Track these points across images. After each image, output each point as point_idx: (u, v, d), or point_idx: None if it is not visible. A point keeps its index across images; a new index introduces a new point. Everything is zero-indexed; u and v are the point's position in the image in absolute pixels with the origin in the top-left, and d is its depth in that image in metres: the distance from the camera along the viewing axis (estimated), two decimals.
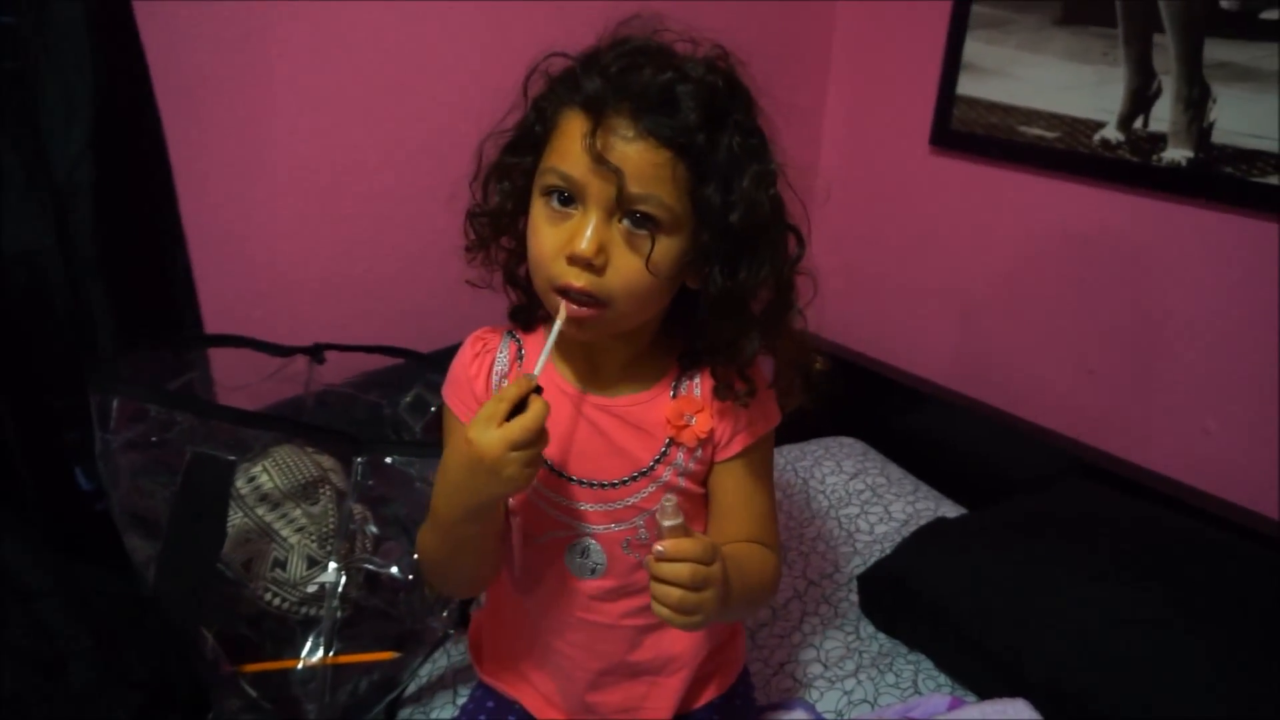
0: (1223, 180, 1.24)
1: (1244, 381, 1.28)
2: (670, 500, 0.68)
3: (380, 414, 1.22)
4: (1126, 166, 1.35)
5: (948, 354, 1.68)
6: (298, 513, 1.09)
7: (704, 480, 0.84)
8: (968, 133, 1.55)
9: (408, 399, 1.20)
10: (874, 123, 1.73)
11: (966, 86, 1.53)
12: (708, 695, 0.93)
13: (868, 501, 1.48)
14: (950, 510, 1.45)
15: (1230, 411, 1.31)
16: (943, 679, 1.13)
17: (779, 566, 0.85)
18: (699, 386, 0.81)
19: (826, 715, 1.08)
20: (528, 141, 0.75)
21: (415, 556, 1.06)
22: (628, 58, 0.70)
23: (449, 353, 1.45)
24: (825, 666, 1.16)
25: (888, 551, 1.32)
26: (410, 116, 1.39)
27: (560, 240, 0.71)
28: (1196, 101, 1.25)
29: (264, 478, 1.10)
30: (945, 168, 1.61)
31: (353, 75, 1.32)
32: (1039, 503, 1.33)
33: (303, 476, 1.11)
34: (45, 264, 1.11)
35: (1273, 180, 1.19)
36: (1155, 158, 1.31)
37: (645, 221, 0.70)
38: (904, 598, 1.20)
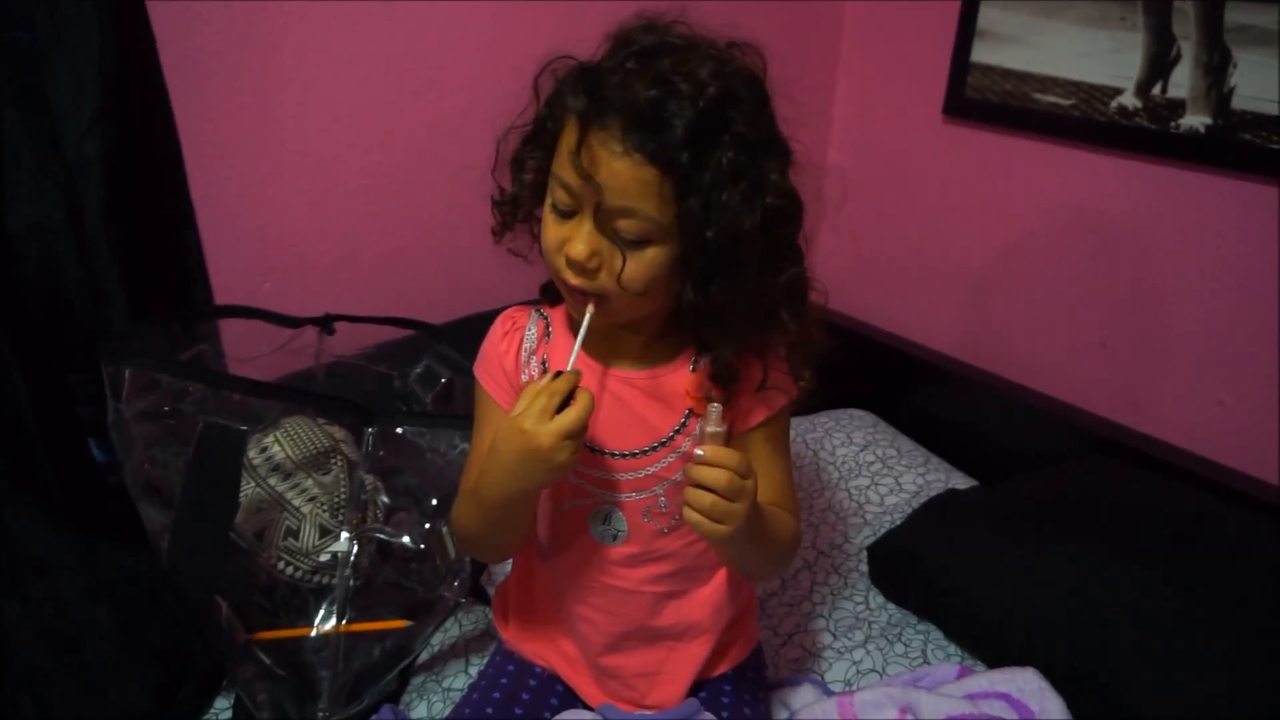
0: (1242, 147, 1.22)
1: (1261, 354, 1.27)
2: (716, 408, 0.74)
3: (390, 385, 1.22)
4: (1144, 134, 1.33)
5: (959, 326, 1.67)
6: (309, 482, 1.10)
7: None
8: (982, 101, 1.53)
9: (418, 370, 1.21)
10: (886, 92, 1.71)
11: (981, 54, 1.51)
12: (722, 667, 0.95)
13: (878, 473, 1.48)
14: (961, 482, 1.45)
15: (1245, 384, 1.29)
16: (952, 649, 1.13)
17: (798, 531, 0.88)
18: None
19: (834, 685, 1.08)
20: (542, 137, 0.78)
21: (427, 526, 1.07)
22: (625, 69, 0.70)
23: (458, 325, 1.48)
24: (834, 636, 1.17)
25: (898, 523, 1.32)
26: (418, 91, 1.38)
27: (561, 238, 0.74)
28: (1217, 67, 1.23)
29: (276, 448, 1.11)
30: (958, 137, 1.59)
31: (360, 50, 1.32)
32: (1051, 478, 1.32)
33: (314, 447, 1.12)
34: (56, 239, 1.12)
35: None
36: (1173, 125, 1.29)
37: (635, 238, 0.72)
38: (914, 570, 1.20)
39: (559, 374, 0.73)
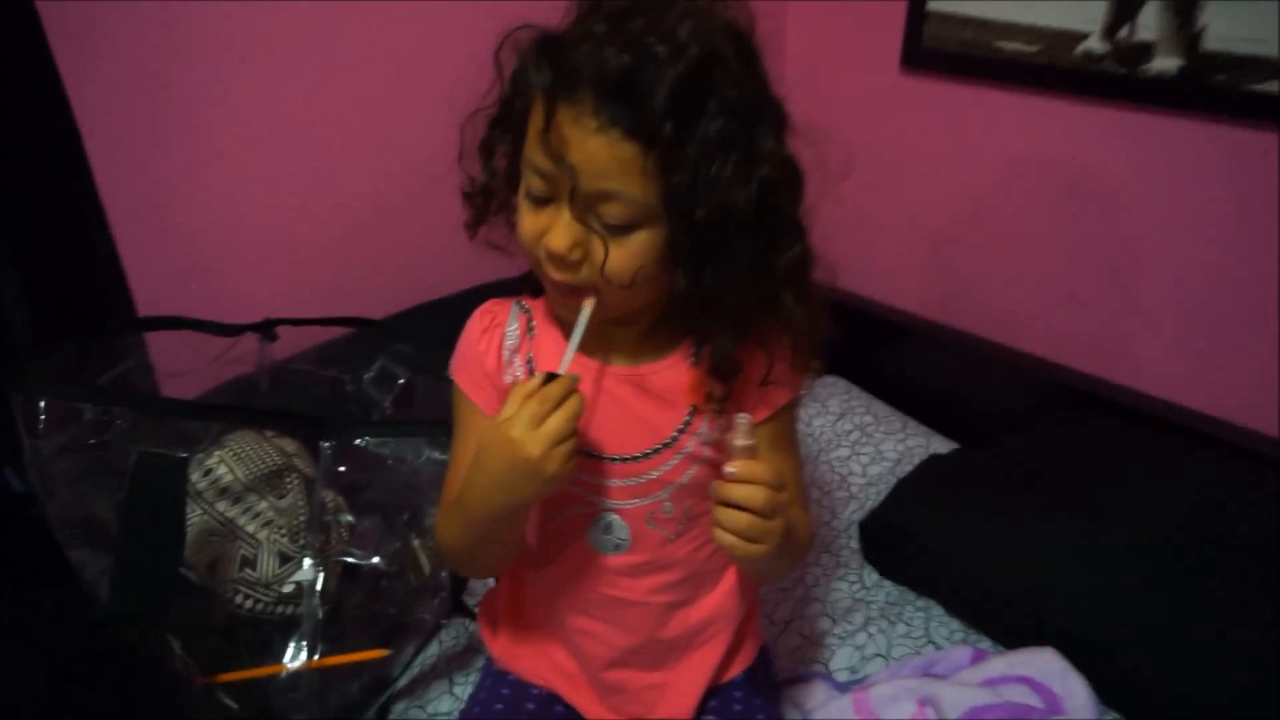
0: (1214, 90, 1.19)
1: (1236, 298, 1.25)
2: (745, 419, 0.67)
3: (343, 390, 1.13)
4: (1111, 80, 1.29)
5: (926, 284, 1.63)
6: (263, 505, 1.00)
7: None
8: (941, 51, 1.47)
9: (372, 372, 1.11)
10: (839, 46, 1.64)
11: (938, 1, 1.45)
12: (732, 671, 0.89)
13: (857, 442, 1.44)
14: (941, 446, 1.42)
15: (1223, 330, 1.28)
16: (956, 625, 1.10)
17: (812, 525, 0.83)
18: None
19: (839, 674, 1.04)
20: (510, 117, 0.69)
21: (398, 544, 0.98)
22: (593, 35, 0.62)
23: (410, 316, 1.37)
24: (833, 621, 1.12)
25: (884, 494, 1.28)
26: (346, 61, 1.26)
27: (539, 228, 0.67)
28: (1185, 7, 1.19)
29: (222, 469, 1.01)
30: (918, 89, 1.53)
31: (277, 19, 1.18)
32: (1036, 437, 1.30)
33: (265, 465, 1.02)
34: None
35: (1270, 88, 1.14)
36: (1141, 69, 1.25)
37: (618, 225, 0.65)
38: (908, 544, 1.16)
39: (550, 376, 0.66)
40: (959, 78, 1.47)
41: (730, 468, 0.65)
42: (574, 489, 0.77)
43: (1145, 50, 1.24)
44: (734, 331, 0.71)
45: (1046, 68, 1.35)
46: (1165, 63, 1.23)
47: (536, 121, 0.64)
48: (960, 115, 1.49)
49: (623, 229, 0.64)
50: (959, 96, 1.48)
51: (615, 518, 0.78)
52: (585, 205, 0.64)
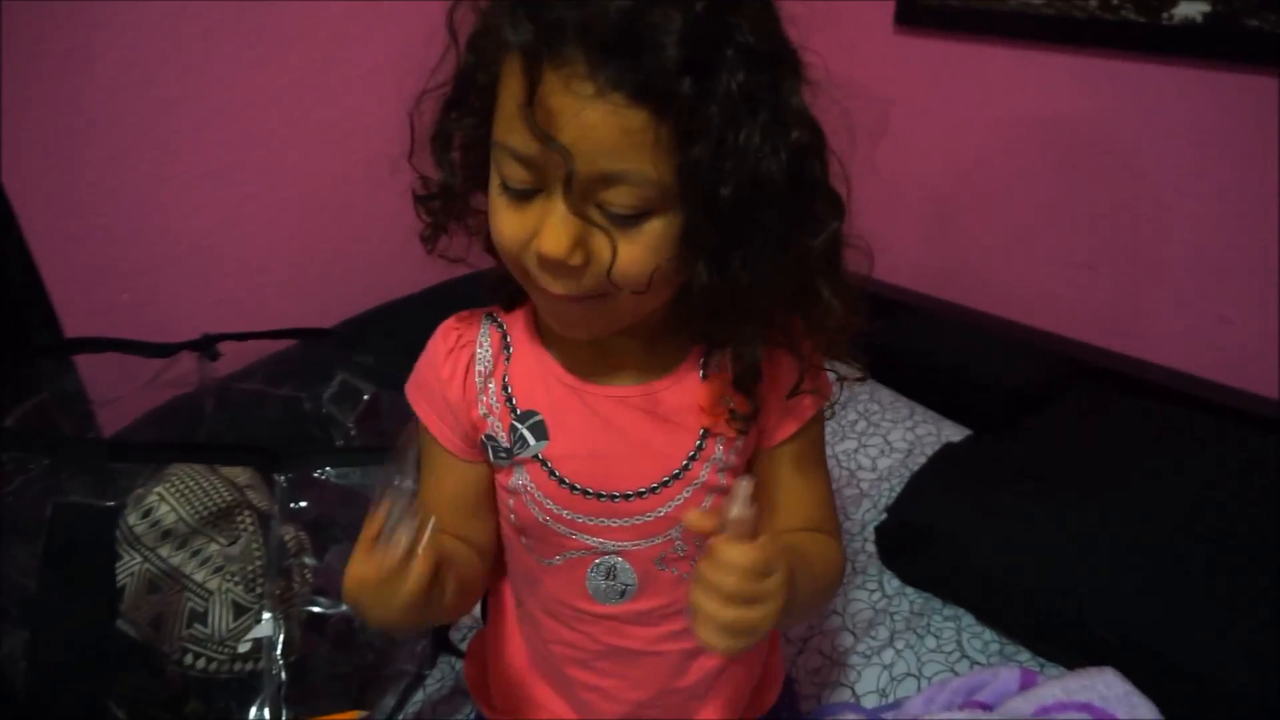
0: (1247, 35, 1.09)
1: (1266, 262, 1.16)
2: (745, 485, 0.51)
3: (300, 409, 1.00)
4: (1131, 29, 1.18)
5: (926, 257, 1.53)
6: (213, 549, 0.88)
7: (745, 471, 0.68)
8: (939, 6, 1.36)
9: (331, 389, 0.99)
10: (826, 4, 1.52)
11: None
12: (756, 710, 0.79)
13: (864, 433, 1.34)
14: (953, 433, 1.32)
15: (1249, 297, 1.19)
16: (989, 635, 1.01)
17: (843, 554, 0.71)
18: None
19: (868, 700, 0.95)
20: (470, 95, 0.56)
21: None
22: None
23: (367, 322, 1.24)
24: (855, 636, 1.03)
25: (897, 489, 1.19)
26: (281, 40, 1.12)
27: (525, 230, 0.54)
28: None
29: (163, 509, 0.89)
30: (914, 48, 1.42)
31: (196, 28, 1.04)
32: (1055, 419, 1.21)
33: (213, 502, 0.90)
34: None
35: None
36: (1165, 15, 1.15)
37: (626, 215, 0.52)
38: (931, 546, 1.06)
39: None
40: (959, 34, 1.36)
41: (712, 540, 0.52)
42: (566, 531, 0.65)
43: None
44: (763, 331, 0.60)
45: (1058, 19, 1.24)
46: (1191, 7, 1.12)
47: (512, 93, 0.51)
48: (962, 75, 1.38)
49: (633, 219, 0.52)
50: (960, 55, 1.38)
51: (619, 561, 0.66)
52: (584, 194, 0.51)
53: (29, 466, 0.75)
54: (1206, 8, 1.11)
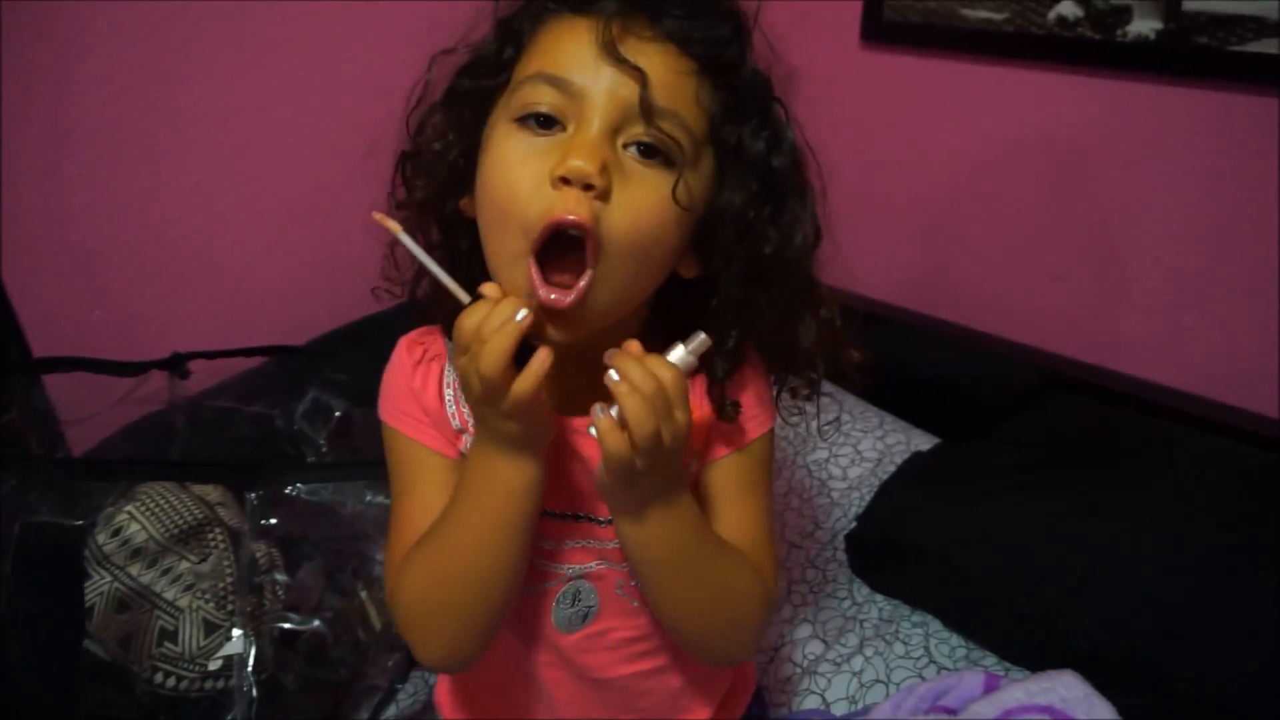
0: (1197, 52, 1.12)
1: (1225, 271, 1.19)
2: (703, 339, 0.55)
3: (272, 427, 1.00)
4: (1087, 45, 1.21)
5: (899, 270, 1.55)
6: (183, 567, 0.88)
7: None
8: (903, 22, 1.39)
9: (304, 405, 0.99)
10: (791, 21, 1.53)
11: None
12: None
13: (834, 442, 1.36)
14: (922, 442, 1.34)
15: (1211, 305, 1.22)
16: (956, 640, 1.02)
17: (763, 590, 0.64)
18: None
19: (838, 706, 0.96)
20: (492, 63, 0.58)
21: (340, 601, 0.87)
22: None
23: (337, 338, 1.24)
24: (826, 644, 1.04)
25: (867, 498, 1.20)
26: (262, 51, 1.12)
27: (544, 165, 0.53)
28: None
29: (133, 527, 0.89)
30: (881, 64, 1.45)
31: (178, 7, 1.05)
32: (1026, 427, 1.23)
33: (183, 520, 0.90)
34: None
35: (1254, 48, 1.07)
36: (1120, 33, 1.18)
37: (656, 151, 0.54)
38: (900, 553, 1.08)
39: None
40: (924, 50, 1.39)
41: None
42: (543, 563, 0.66)
43: (1123, 13, 1.17)
44: (738, 347, 0.62)
45: (1017, 35, 1.27)
46: (1144, 25, 1.15)
47: (558, 35, 0.55)
48: (927, 90, 1.41)
49: (654, 158, 0.54)
50: (925, 70, 1.40)
51: (584, 584, 0.67)
52: (617, 128, 0.54)
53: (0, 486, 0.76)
54: (1159, 25, 1.14)
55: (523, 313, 0.51)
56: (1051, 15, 1.23)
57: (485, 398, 0.52)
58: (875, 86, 1.47)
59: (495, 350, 0.50)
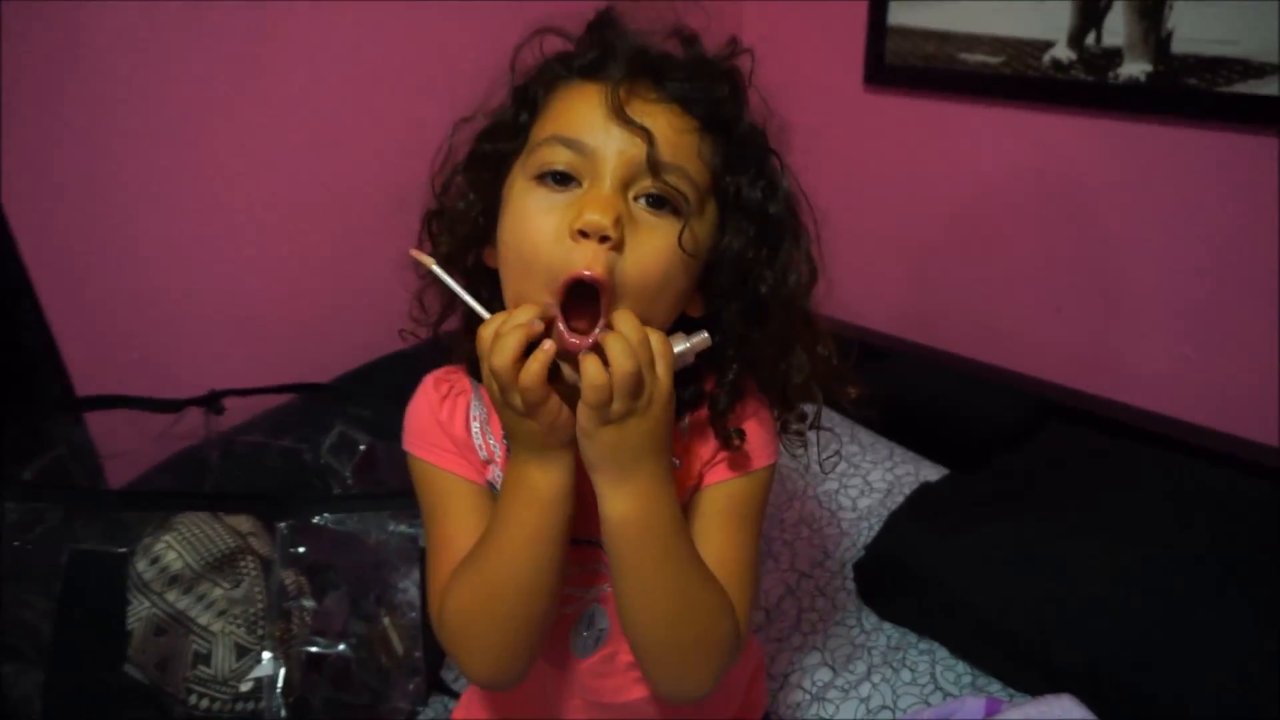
0: (1186, 93, 1.16)
1: (1219, 302, 1.22)
2: (704, 337, 0.60)
3: (300, 460, 1.05)
4: (1081, 87, 1.26)
5: (902, 304, 1.59)
6: (217, 593, 0.92)
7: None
8: (904, 66, 1.44)
9: (330, 440, 1.04)
10: (799, 65, 1.60)
11: (898, 15, 1.42)
12: None
13: (844, 473, 1.39)
14: (931, 472, 1.36)
15: (1207, 335, 1.25)
16: (961, 668, 1.04)
17: (732, 625, 0.63)
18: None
19: None
20: (509, 127, 0.63)
21: (372, 626, 0.91)
22: (630, 33, 0.62)
23: (361, 376, 1.29)
24: (834, 671, 1.06)
25: (875, 528, 1.23)
26: (291, 98, 1.19)
27: (563, 219, 0.57)
28: (1152, 9, 1.16)
29: (170, 555, 0.93)
30: (883, 106, 1.50)
31: (210, 49, 1.11)
32: (1027, 458, 1.25)
33: (218, 549, 0.95)
34: None
35: (1240, 89, 1.11)
36: (1111, 75, 1.22)
37: (664, 202, 0.59)
38: (906, 582, 1.11)
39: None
40: (924, 92, 1.44)
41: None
42: (566, 586, 0.67)
43: (1114, 56, 1.21)
44: (738, 380, 0.66)
45: (1014, 78, 1.32)
46: (1135, 67, 1.20)
47: (571, 100, 0.60)
48: (928, 130, 1.46)
49: (663, 208, 0.59)
50: (925, 111, 1.45)
51: (598, 608, 0.70)
52: (627, 183, 0.58)
53: (45, 517, 0.80)
54: (1149, 68, 1.19)
55: (534, 317, 0.55)
56: (1046, 58, 1.28)
57: (503, 395, 0.56)
58: (877, 126, 1.52)
59: (507, 346, 0.54)
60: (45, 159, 1.02)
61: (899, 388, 1.54)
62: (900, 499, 1.27)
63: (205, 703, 0.89)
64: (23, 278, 1.01)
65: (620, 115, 0.57)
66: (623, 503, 0.59)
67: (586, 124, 0.58)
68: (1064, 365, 1.40)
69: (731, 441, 0.66)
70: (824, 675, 1.06)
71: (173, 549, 0.94)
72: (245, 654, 0.89)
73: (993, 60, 1.33)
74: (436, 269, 0.60)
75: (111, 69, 1.04)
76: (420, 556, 0.94)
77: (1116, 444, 1.24)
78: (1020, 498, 1.16)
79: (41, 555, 0.79)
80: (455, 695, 0.98)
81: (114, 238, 1.10)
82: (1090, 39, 1.23)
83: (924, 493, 1.26)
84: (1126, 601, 0.96)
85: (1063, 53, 1.26)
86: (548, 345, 0.55)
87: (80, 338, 1.09)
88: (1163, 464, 1.18)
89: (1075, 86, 1.26)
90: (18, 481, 0.84)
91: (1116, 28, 1.20)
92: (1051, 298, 1.39)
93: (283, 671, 0.86)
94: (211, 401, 1.02)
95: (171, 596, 0.92)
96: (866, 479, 1.37)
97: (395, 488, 0.91)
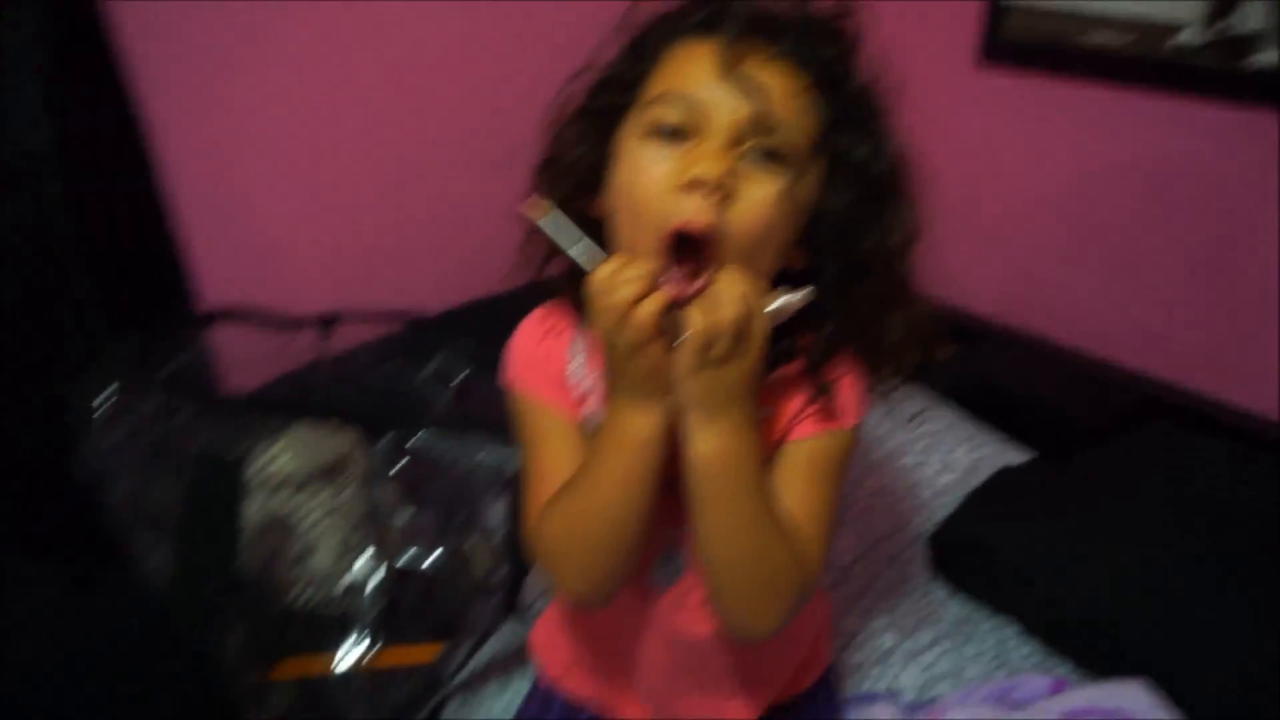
0: None
1: None
2: (806, 293, 0.62)
3: (403, 384, 1.11)
4: (1208, 74, 1.21)
5: (1004, 288, 1.56)
6: (323, 496, 0.99)
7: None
8: (1020, 43, 1.41)
9: (432, 366, 1.09)
10: (911, 39, 1.57)
11: None
12: (797, 687, 0.86)
13: (927, 449, 1.39)
14: (1015, 457, 1.35)
15: None
16: (1029, 648, 1.04)
17: (800, 574, 0.66)
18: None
19: (906, 693, 0.99)
20: (623, 81, 0.65)
21: (453, 542, 0.97)
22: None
23: (466, 312, 1.36)
24: (900, 636, 1.07)
25: (952, 506, 1.23)
26: (410, 68, 1.26)
27: (674, 171, 0.59)
28: None
29: (283, 459, 1.01)
30: (995, 84, 1.47)
31: (346, 23, 1.19)
32: (1115, 451, 1.23)
33: (324, 458, 1.01)
34: (17, 241, 1.00)
35: None
36: (1243, 63, 1.17)
37: (772, 158, 0.60)
38: (982, 561, 1.11)
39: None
40: (1040, 71, 1.40)
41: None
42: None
43: (1246, 43, 1.17)
44: (836, 333, 0.67)
45: (1137, 61, 1.28)
46: (1268, 56, 1.15)
47: (685, 58, 0.62)
48: (1042, 112, 1.42)
49: (771, 161, 0.60)
50: (1040, 91, 1.41)
51: (678, 549, 0.73)
52: (738, 138, 0.60)
53: (180, 412, 0.88)
54: None
55: (652, 269, 0.58)
56: (1171, 43, 1.23)
57: (613, 334, 0.59)
58: (988, 105, 1.49)
59: (627, 289, 0.57)
60: (193, 99, 1.11)
61: (994, 371, 1.53)
62: (980, 480, 1.26)
63: (307, 597, 0.96)
64: (163, 208, 1.10)
65: (733, 73, 0.59)
66: (711, 440, 0.61)
67: (699, 81, 0.60)
68: (1174, 363, 1.35)
69: (823, 392, 0.67)
70: (889, 640, 1.07)
71: (284, 454, 1.01)
72: (346, 554, 0.96)
73: (1116, 41, 1.29)
74: (556, 211, 0.62)
75: (260, 15, 1.12)
76: (506, 486, 0.99)
77: (1212, 446, 1.21)
78: (1103, 490, 1.14)
79: (175, 444, 0.87)
80: (529, 621, 1.04)
81: (248, 180, 1.19)
82: (1222, 24, 1.18)
83: (1006, 476, 1.25)
84: (1200, 601, 0.95)
85: (1191, 37, 1.21)
86: (662, 288, 0.58)
87: (213, 260, 1.18)
88: (1255, 469, 1.14)
89: (1202, 73, 1.21)
90: (159, 379, 0.92)
91: (1252, 14, 1.15)
92: (1164, 292, 1.35)
93: (377, 576, 0.92)
94: (329, 322, 1.08)
95: (281, 498, 0.99)
96: (948, 457, 1.37)
97: (488, 418, 0.96)
